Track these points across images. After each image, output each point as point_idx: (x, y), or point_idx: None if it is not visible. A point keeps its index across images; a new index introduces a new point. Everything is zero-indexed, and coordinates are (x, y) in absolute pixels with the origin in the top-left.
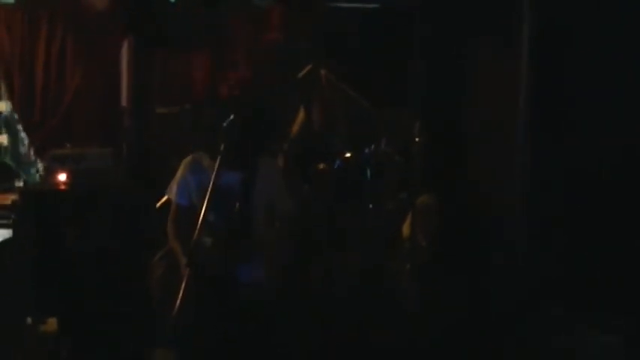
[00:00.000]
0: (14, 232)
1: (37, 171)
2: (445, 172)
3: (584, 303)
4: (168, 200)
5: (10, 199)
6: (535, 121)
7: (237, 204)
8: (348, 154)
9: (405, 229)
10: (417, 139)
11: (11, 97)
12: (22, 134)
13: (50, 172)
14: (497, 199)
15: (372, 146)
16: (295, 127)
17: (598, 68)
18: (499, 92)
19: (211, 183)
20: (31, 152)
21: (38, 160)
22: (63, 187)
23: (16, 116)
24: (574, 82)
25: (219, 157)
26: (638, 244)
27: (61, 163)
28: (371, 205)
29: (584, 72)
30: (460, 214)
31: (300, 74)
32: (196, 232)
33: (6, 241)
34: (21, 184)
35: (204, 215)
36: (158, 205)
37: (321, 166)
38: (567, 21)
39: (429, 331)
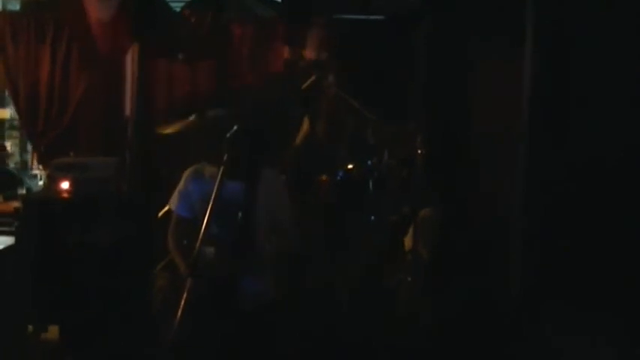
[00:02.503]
0: (17, 240)
1: (40, 179)
2: (446, 171)
3: (584, 303)
4: (169, 210)
5: (13, 206)
6: (536, 121)
7: (240, 215)
8: (350, 166)
9: (407, 241)
10: (419, 151)
11: (16, 105)
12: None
13: (53, 181)
14: (498, 199)
15: (375, 158)
16: (299, 138)
17: (601, 69)
18: (502, 94)
19: (214, 194)
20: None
21: (41, 168)
22: (66, 195)
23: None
24: (576, 83)
25: (221, 168)
26: (639, 244)
27: (65, 172)
28: (373, 217)
29: (587, 73)
30: (460, 213)
31: (304, 85)
32: (198, 243)
33: (8, 249)
34: (24, 191)
35: (206, 226)
36: (159, 215)
37: (324, 177)
38: (570, 22)
39: (430, 332)
